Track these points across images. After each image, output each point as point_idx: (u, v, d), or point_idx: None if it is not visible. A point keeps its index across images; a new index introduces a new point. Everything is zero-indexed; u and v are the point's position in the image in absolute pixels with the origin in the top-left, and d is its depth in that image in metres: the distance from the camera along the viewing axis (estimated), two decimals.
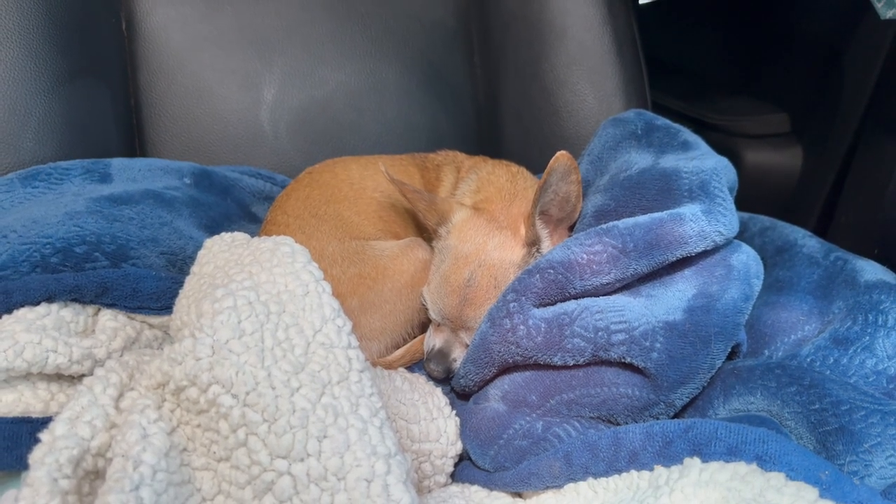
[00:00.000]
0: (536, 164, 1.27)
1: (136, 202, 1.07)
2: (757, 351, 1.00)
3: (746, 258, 0.94)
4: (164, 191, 1.14)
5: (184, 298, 0.83)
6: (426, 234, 1.15)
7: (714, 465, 0.72)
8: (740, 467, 0.71)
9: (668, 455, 0.75)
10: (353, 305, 1.04)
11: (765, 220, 1.23)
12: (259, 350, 0.71)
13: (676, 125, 1.10)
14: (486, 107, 1.61)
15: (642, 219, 0.90)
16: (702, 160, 0.98)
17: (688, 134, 1.08)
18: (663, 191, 0.95)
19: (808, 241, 1.11)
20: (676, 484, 0.72)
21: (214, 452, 0.70)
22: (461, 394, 1.04)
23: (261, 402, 0.67)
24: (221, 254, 0.90)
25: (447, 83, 1.57)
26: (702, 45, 2.12)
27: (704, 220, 0.90)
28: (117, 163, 1.20)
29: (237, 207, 1.24)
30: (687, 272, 0.92)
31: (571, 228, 1.06)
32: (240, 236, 0.94)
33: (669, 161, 1.00)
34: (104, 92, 1.41)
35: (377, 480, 0.65)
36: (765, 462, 0.71)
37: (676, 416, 0.89)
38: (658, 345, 0.83)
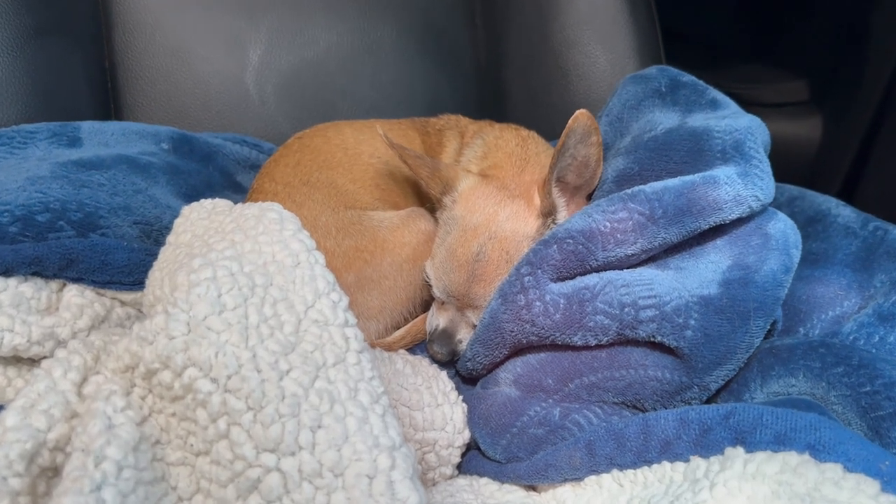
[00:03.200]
0: (543, 132, 1.18)
1: (108, 167, 0.97)
2: (791, 329, 0.91)
3: (784, 226, 0.85)
4: (139, 156, 1.05)
5: (157, 271, 0.74)
6: (429, 204, 1.05)
7: (760, 456, 0.64)
8: (791, 458, 0.63)
9: (707, 444, 0.67)
10: (348, 281, 0.95)
11: (792, 188, 1.14)
12: (242, 328, 0.62)
13: (703, 83, 1.00)
14: (489, 71, 1.51)
15: (671, 182, 0.81)
16: (734, 119, 0.89)
17: (716, 92, 0.98)
18: (693, 152, 0.86)
19: (842, 211, 1.03)
20: (718, 477, 0.64)
21: (192, 445, 0.61)
22: (467, 378, 0.95)
23: (244, 388, 0.58)
24: (200, 221, 0.80)
25: (447, 45, 1.47)
26: (714, 11, 2.02)
27: (740, 184, 0.81)
28: (88, 126, 1.09)
29: (220, 176, 1.14)
30: (719, 242, 0.84)
31: (589, 197, 0.97)
32: (221, 203, 0.85)
33: (698, 120, 0.91)
34: (74, 52, 1.30)
35: (380, 476, 0.57)
36: (818, 452, 0.63)
37: (709, 401, 0.80)
38: (692, 321, 0.74)
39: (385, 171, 1.07)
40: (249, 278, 0.66)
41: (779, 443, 0.65)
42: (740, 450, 0.65)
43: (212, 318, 0.62)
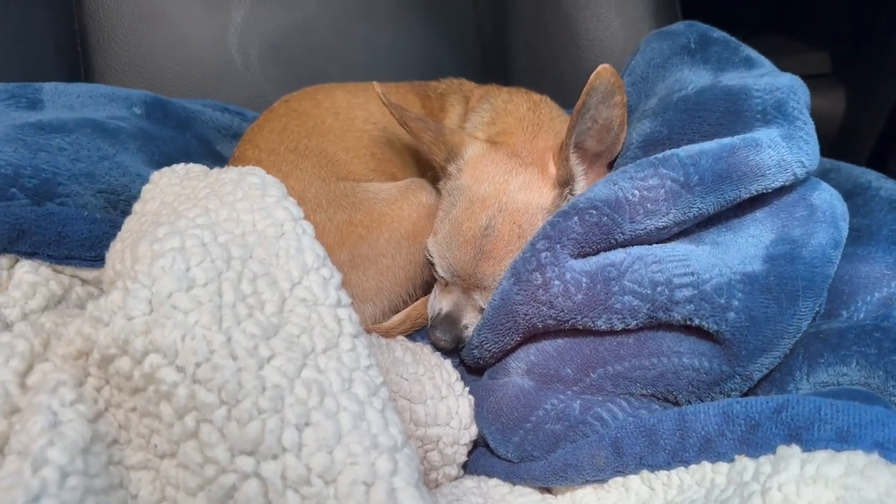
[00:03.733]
0: None
1: (70, 131, 0.87)
2: (833, 312, 0.82)
3: (830, 196, 0.77)
4: (108, 120, 0.95)
5: (119, 243, 0.64)
6: (430, 174, 0.96)
7: (821, 456, 0.56)
8: (857, 458, 0.55)
9: (756, 442, 0.59)
10: (341, 259, 0.85)
11: (824, 160, 1.05)
12: (215, 307, 0.52)
13: (735, 39, 0.91)
14: (492, 36, 1.42)
15: (708, 145, 0.72)
16: (774, 77, 0.80)
17: (750, 50, 0.89)
18: (730, 113, 0.77)
19: (884, 183, 0.94)
20: (771, 480, 0.56)
21: (156, 446, 0.52)
22: (473, 367, 0.86)
23: (216, 378, 0.49)
24: (171, 188, 0.71)
25: (447, 8, 1.37)
26: None
27: (785, 147, 0.72)
28: (50, 88, 0.99)
29: (198, 144, 1.04)
30: (759, 214, 0.75)
31: (611, 166, 0.87)
32: (196, 168, 0.75)
33: (733, 79, 0.82)
34: (40, 11, 1.20)
35: (380, 484, 0.48)
36: (889, 451, 0.56)
37: (748, 393, 0.72)
38: (736, 302, 0.65)
39: (382, 138, 0.98)
40: (224, 249, 0.57)
41: (841, 440, 0.56)
42: (796, 448, 0.57)
43: (178, 295, 0.52)
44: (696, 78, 0.84)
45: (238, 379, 0.50)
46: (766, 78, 0.80)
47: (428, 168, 0.96)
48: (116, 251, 0.63)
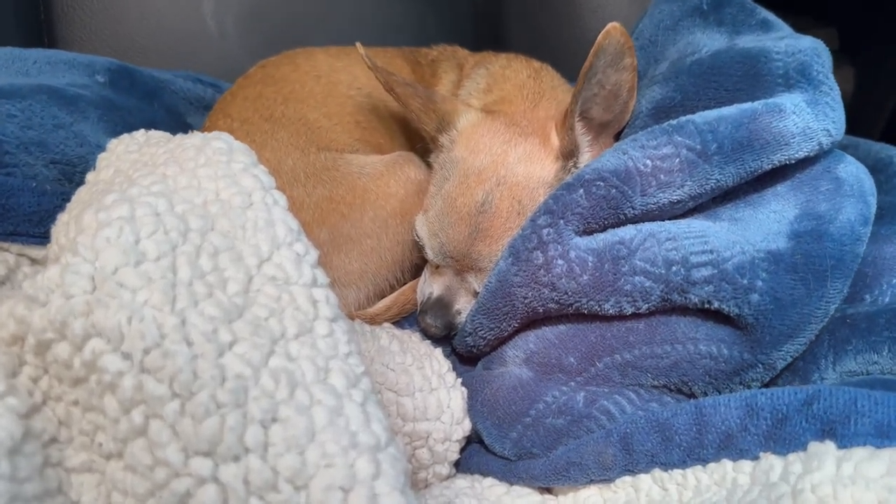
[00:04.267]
0: None
1: (23, 97, 0.80)
2: (855, 296, 0.77)
3: (856, 169, 0.71)
4: (67, 87, 0.87)
5: (65, 214, 0.58)
6: (420, 145, 0.89)
7: (859, 453, 0.51)
8: None
9: (784, 438, 0.54)
10: (321, 239, 0.78)
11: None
12: (168, 284, 0.46)
13: (751, 0, 0.84)
14: (485, 4, 1.34)
15: (727, 111, 0.66)
16: (795, 39, 0.74)
17: (766, 12, 0.83)
18: (749, 76, 0.71)
19: None
20: (803, 481, 0.50)
21: (100, 445, 0.46)
22: (466, 356, 0.80)
23: (168, 366, 0.42)
24: (128, 155, 0.64)
25: None
26: None
27: (810, 114, 0.66)
28: (4, 53, 0.92)
29: (166, 115, 0.97)
30: (781, 188, 0.69)
31: (617, 138, 0.81)
32: (157, 134, 0.68)
33: (750, 41, 0.76)
34: None
35: (359, 489, 0.42)
36: None
37: (769, 384, 0.66)
38: (760, 283, 0.59)
39: (367, 105, 0.91)
40: (181, 220, 0.50)
41: (882, 436, 0.51)
42: (830, 445, 0.51)
43: (125, 270, 0.46)
44: (709, 41, 0.78)
45: (193, 368, 0.43)
46: (786, 40, 0.74)
47: (418, 139, 0.89)
48: (62, 223, 0.56)
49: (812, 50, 0.72)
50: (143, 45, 1.18)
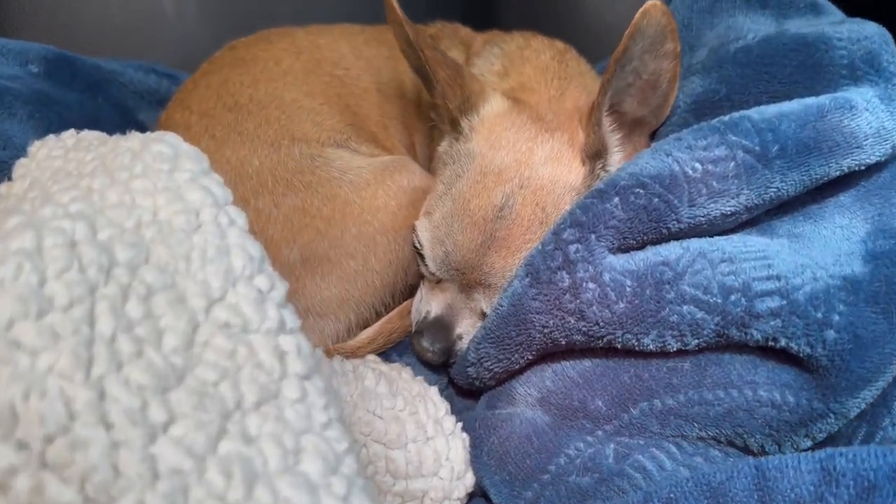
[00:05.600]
0: None
1: None
2: None
3: None
4: None
5: None
6: (420, 132, 0.77)
7: None
8: None
9: None
10: (290, 260, 0.67)
11: None
12: (82, 342, 0.35)
13: None
14: None
15: (789, 106, 0.57)
16: (857, 24, 0.65)
17: None
18: (807, 67, 0.62)
19: None
20: None
21: None
22: (465, 390, 0.70)
23: (78, 461, 0.32)
24: (51, 162, 0.53)
25: None
26: None
27: (884, 112, 0.58)
28: None
29: (113, 111, 0.86)
30: (844, 199, 0.60)
31: (652, 137, 0.71)
32: (90, 136, 0.57)
33: (803, 26, 0.66)
34: None
35: None
36: None
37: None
38: (837, 317, 0.50)
39: (357, 88, 0.79)
40: (104, 252, 0.39)
41: None
42: None
43: (23, 325, 0.35)
44: (754, 25, 0.69)
45: (113, 462, 0.32)
46: (846, 25, 0.65)
47: (417, 128, 0.77)
48: None
49: (879, 37, 0.63)
50: (89, 28, 1.06)
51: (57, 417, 0.32)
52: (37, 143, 0.57)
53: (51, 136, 0.57)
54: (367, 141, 0.76)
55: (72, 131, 0.57)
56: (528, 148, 0.68)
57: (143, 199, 0.43)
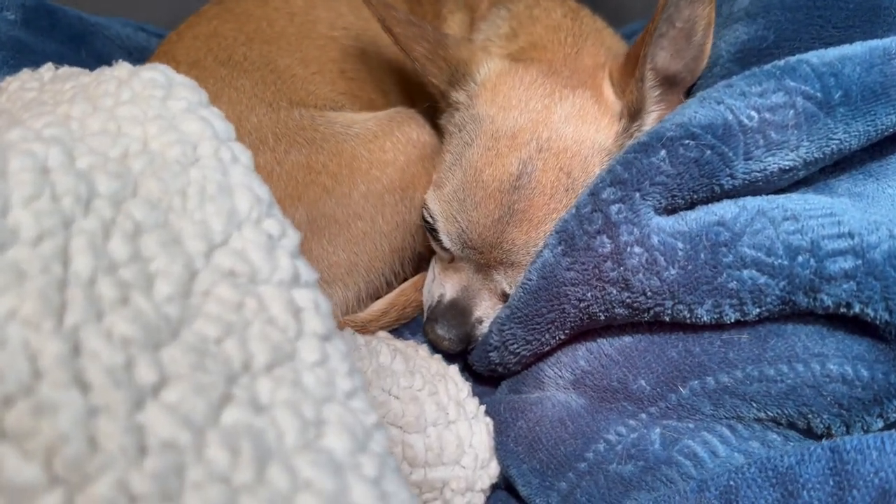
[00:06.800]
0: None
1: None
2: None
3: None
4: None
5: None
6: (428, 104, 0.70)
7: None
8: None
9: None
10: (295, 220, 0.62)
11: None
12: (52, 283, 0.28)
13: None
14: None
15: (851, 49, 0.51)
16: None
17: None
18: (863, 10, 0.57)
19: None
20: None
21: None
22: (485, 375, 0.63)
23: (45, 430, 0.25)
24: (25, 94, 0.46)
25: None
26: None
27: None
28: None
29: (97, 65, 0.76)
30: None
31: (688, 94, 0.64)
32: (71, 71, 0.50)
33: None
34: None
35: None
36: None
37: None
38: None
39: (355, 50, 0.72)
40: (84, 181, 0.32)
41: None
42: None
43: None
44: None
45: (89, 432, 0.25)
46: None
47: (421, 95, 0.71)
48: None
49: None
50: None
51: (18, 375, 0.25)
52: (9, 78, 0.50)
53: (25, 70, 0.50)
54: (364, 108, 0.71)
55: (49, 65, 0.50)
56: (544, 106, 0.60)
57: (131, 128, 0.36)
